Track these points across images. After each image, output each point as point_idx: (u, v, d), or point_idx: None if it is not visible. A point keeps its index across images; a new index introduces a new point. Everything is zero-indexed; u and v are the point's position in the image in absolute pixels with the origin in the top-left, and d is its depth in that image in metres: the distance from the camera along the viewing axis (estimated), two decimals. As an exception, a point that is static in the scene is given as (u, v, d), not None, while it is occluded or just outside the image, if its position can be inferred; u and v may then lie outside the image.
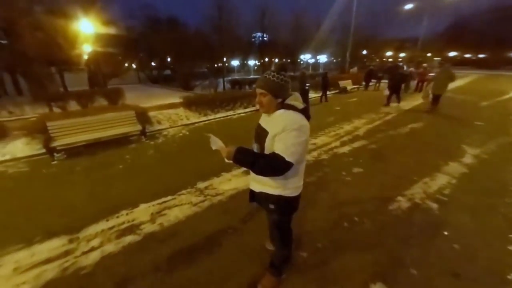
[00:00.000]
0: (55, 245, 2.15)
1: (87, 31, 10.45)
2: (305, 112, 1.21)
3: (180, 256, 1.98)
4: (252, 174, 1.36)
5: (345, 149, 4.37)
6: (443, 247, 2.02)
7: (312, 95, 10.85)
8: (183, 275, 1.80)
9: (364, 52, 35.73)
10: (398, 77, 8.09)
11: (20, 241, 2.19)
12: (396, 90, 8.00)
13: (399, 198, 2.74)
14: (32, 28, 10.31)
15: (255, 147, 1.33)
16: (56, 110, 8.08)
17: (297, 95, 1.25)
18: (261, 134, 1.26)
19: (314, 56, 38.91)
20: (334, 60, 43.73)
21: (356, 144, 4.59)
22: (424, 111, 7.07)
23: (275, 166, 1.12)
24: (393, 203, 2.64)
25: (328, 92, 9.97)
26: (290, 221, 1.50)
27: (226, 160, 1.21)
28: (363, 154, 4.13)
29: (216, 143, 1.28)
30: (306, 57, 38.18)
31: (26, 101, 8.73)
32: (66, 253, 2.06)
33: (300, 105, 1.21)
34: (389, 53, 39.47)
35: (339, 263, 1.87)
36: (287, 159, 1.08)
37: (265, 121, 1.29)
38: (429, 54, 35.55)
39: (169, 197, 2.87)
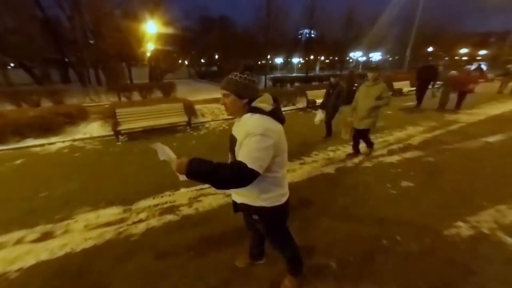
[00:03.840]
0: (114, 212, 2.57)
1: (151, 31, 11.93)
2: (275, 113, 1.10)
3: (210, 241, 2.12)
4: None
5: (393, 158, 3.89)
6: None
7: (359, 96, 9.98)
8: (211, 259, 1.92)
9: (430, 49, 30.75)
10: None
11: (90, 205, 2.70)
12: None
13: (459, 223, 2.30)
14: (113, 30, 12.35)
15: (230, 157, 1.24)
16: (124, 99, 9.55)
17: (267, 95, 1.14)
18: (232, 143, 1.15)
19: (366, 54, 35.52)
20: (390, 58, 39.11)
21: (408, 155, 4.04)
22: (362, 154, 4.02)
23: (236, 175, 0.96)
24: (450, 228, 2.24)
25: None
26: (283, 229, 1.41)
27: (178, 174, 0.97)
28: (415, 166, 3.61)
29: (165, 153, 1.02)
30: (356, 55, 35.16)
31: (103, 91, 10.57)
32: (121, 220, 2.44)
33: (267, 106, 1.10)
34: (464, 50, 32.94)
35: (372, 284, 1.70)
36: (249, 165, 0.95)
37: (235, 127, 1.19)
38: (523, 52, 28.26)
39: (206, 185, 3.08)
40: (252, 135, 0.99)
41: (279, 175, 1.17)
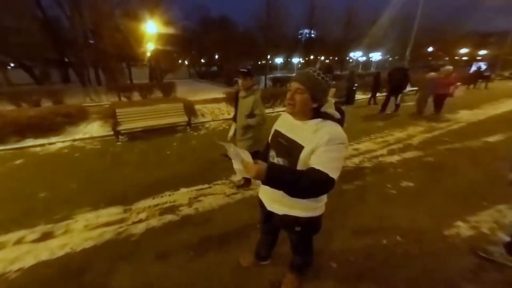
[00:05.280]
0: (114, 212, 2.57)
1: (151, 31, 11.92)
2: (342, 122, 1.06)
3: (210, 241, 2.11)
4: (271, 194, 1.20)
5: (393, 158, 3.90)
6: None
7: (360, 96, 9.99)
8: (211, 259, 1.92)
9: (430, 49, 30.78)
10: None
11: (90, 205, 2.70)
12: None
13: (459, 223, 2.31)
14: (112, 30, 12.35)
15: (281, 162, 1.12)
16: (124, 99, 9.54)
17: (331, 102, 1.08)
18: (290, 148, 1.05)
19: (366, 54, 35.54)
20: (390, 58, 39.16)
21: (408, 155, 4.04)
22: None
23: (320, 184, 0.90)
24: (450, 228, 2.24)
25: (378, 94, 9.01)
26: (312, 237, 1.39)
27: (238, 173, 0.92)
28: (415, 166, 3.61)
29: (239, 156, 0.89)
30: (356, 55, 35.17)
31: (103, 91, 10.57)
32: (121, 220, 2.44)
33: (337, 114, 1.06)
34: (464, 50, 32.93)
35: (372, 284, 1.70)
36: (330, 175, 0.90)
37: (293, 131, 1.08)
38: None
39: (206, 185, 3.08)
40: (334, 143, 0.93)
41: None
